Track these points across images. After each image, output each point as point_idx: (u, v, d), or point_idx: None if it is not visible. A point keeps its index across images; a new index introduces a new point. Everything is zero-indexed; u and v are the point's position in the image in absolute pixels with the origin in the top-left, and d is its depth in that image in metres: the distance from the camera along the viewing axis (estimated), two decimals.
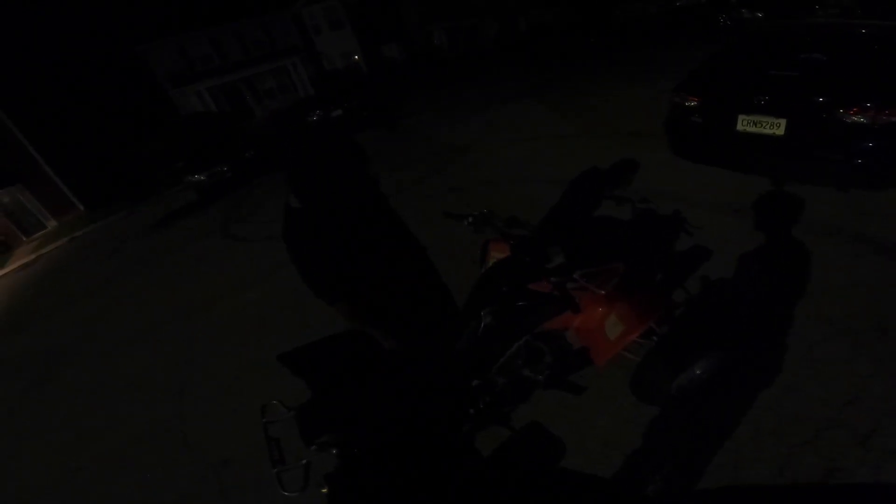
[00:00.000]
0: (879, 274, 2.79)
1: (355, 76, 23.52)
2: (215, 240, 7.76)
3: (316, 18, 28.65)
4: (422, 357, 2.08)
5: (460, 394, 2.09)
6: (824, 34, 4.05)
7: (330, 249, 1.82)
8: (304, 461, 1.77)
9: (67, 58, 19.90)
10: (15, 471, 3.49)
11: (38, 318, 6.99)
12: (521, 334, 2.06)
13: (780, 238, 3.37)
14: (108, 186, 17.78)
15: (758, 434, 2.08)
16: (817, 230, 3.33)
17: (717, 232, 3.54)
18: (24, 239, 17.33)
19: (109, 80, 21.85)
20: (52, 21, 19.69)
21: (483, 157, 7.38)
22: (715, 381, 2.23)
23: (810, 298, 2.73)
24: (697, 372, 2.18)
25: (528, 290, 2.03)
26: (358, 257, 1.88)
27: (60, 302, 7.34)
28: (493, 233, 2.36)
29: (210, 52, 26.23)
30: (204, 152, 12.31)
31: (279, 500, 2.37)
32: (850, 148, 3.24)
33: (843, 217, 3.40)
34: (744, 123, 3.76)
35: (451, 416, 2.10)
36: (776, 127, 3.56)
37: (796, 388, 2.23)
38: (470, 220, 2.31)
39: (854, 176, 3.33)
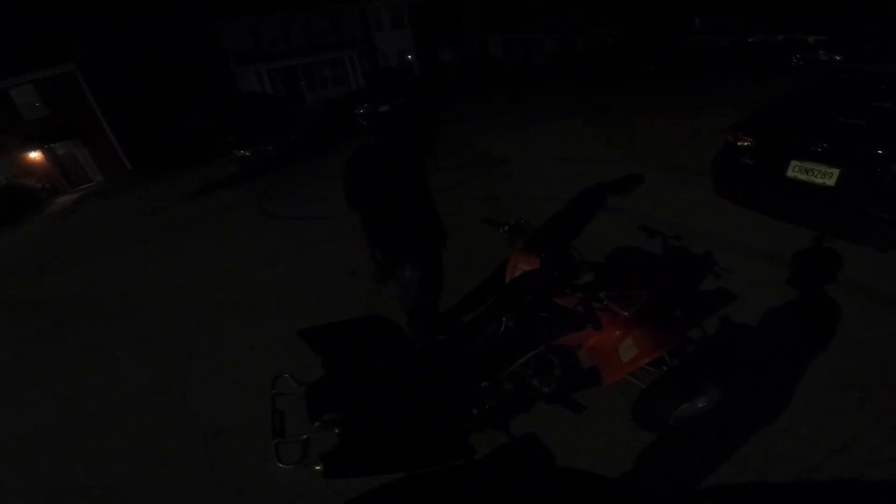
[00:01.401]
0: None
1: (405, 76, 23.84)
2: (250, 214, 8.04)
3: (379, 14, 29.26)
4: (438, 351, 2.13)
5: (468, 392, 2.12)
6: None
7: (372, 173, 2.36)
8: (304, 436, 1.82)
9: (145, 26, 20.96)
10: (14, 417, 3.57)
11: (66, 265, 7.35)
12: (537, 344, 2.09)
13: (808, 291, 3.27)
14: (159, 150, 18.59)
15: (742, 470, 2.09)
16: (847, 287, 3.23)
17: (746, 277, 3.47)
18: (70, 189, 18.27)
19: (182, 51, 22.90)
20: None
21: (521, 171, 7.39)
22: (714, 416, 2.24)
23: (826, 351, 2.69)
24: (699, 405, 2.20)
25: (552, 303, 2.06)
26: (389, 189, 2.37)
27: (91, 253, 7.73)
28: (525, 243, 2.48)
29: (277, 34, 27.13)
30: (253, 130, 12.80)
31: (265, 478, 2.48)
32: None
33: (877, 278, 3.28)
34: (795, 170, 3.63)
35: (456, 413, 2.12)
36: (828, 177, 3.43)
37: (791, 431, 2.24)
38: (506, 228, 2.50)
39: None
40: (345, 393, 1.90)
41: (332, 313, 3.96)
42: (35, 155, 17.98)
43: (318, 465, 1.69)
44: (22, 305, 5.88)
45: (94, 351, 4.28)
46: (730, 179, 4.32)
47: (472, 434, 2.27)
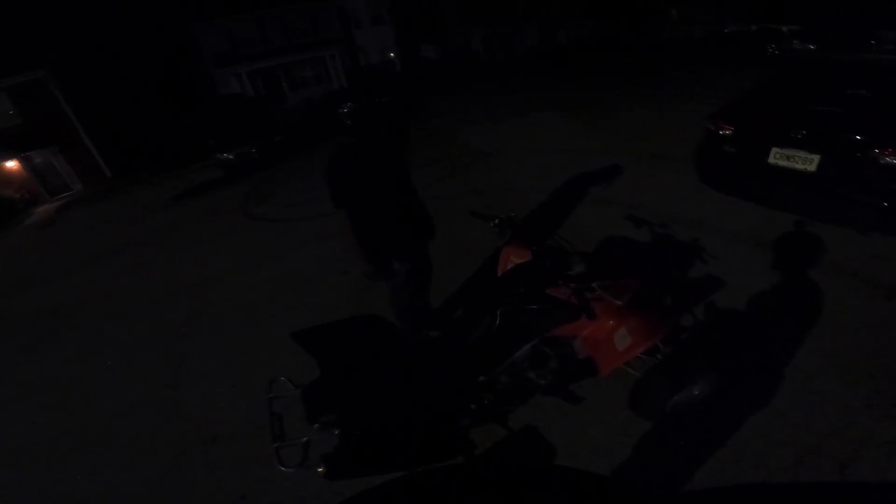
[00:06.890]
0: (886, 318, 2.80)
1: (388, 73, 23.70)
2: (234, 217, 7.92)
3: (359, 12, 28.99)
4: (433, 348, 2.12)
5: (465, 388, 2.12)
6: (874, 71, 3.96)
7: (353, 172, 2.40)
8: (304, 439, 1.81)
9: (119, 30, 20.48)
10: (5, 430, 3.43)
11: (48, 277, 7.10)
12: (532, 336, 2.10)
13: (794, 275, 3.34)
14: (139, 157, 18.20)
15: (742, 456, 2.12)
16: (832, 271, 3.30)
17: (734, 262, 3.52)
18: (49, 199, 17.79)
19: (157, 55, 22.44)
20: None
21: (505, 163, 7.41)
22: (710, 402, 2.27)
23: (814, 334, 2.74)
24: (695, 392, 2.22)
25: (544, 295, 2.07)
26: (371, 186, 2.41)
27: (73, 263, 7.49)
28: (516, 236, 2.48)
29: (255, 35, 26.70)
30: (235, 132, 12.61)
31: (266, 481, 2.44)
32: (879, 189, 3.18)
33: (860, 260, 3.36)
34: (776, 156, 3.71)
35: (453, 409, 2.12)
36: (808, 163, 3.51)
37: (786, 414, 2.28)
38: (496, 221, 2.49)
39: (878, 219, 3.27)
40: (342, 394, 1.89)
41: (324, 314, 3.92)
42: (11, 164, 17.44)
43: (320, 468, 1.68)
44: (3, 320, 5.69)
45: (82, 362, 4.16)
46: (713, 167, 4.40)
47: (471, 429, 2.28)
